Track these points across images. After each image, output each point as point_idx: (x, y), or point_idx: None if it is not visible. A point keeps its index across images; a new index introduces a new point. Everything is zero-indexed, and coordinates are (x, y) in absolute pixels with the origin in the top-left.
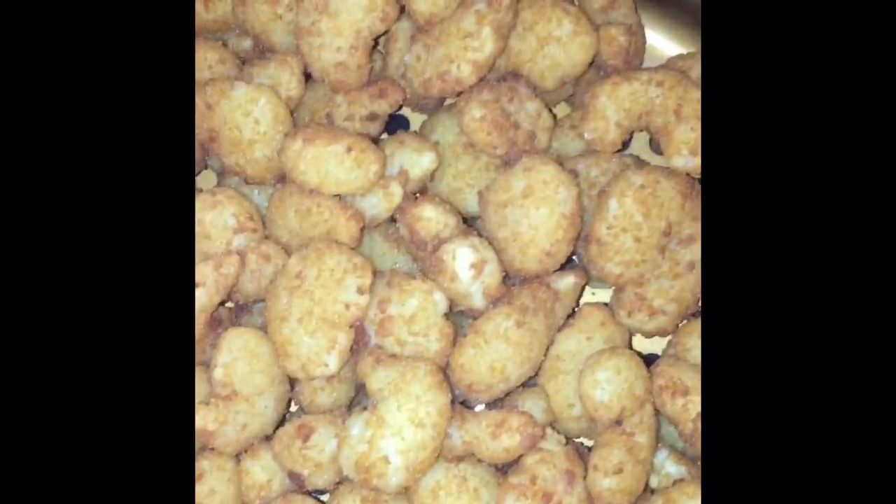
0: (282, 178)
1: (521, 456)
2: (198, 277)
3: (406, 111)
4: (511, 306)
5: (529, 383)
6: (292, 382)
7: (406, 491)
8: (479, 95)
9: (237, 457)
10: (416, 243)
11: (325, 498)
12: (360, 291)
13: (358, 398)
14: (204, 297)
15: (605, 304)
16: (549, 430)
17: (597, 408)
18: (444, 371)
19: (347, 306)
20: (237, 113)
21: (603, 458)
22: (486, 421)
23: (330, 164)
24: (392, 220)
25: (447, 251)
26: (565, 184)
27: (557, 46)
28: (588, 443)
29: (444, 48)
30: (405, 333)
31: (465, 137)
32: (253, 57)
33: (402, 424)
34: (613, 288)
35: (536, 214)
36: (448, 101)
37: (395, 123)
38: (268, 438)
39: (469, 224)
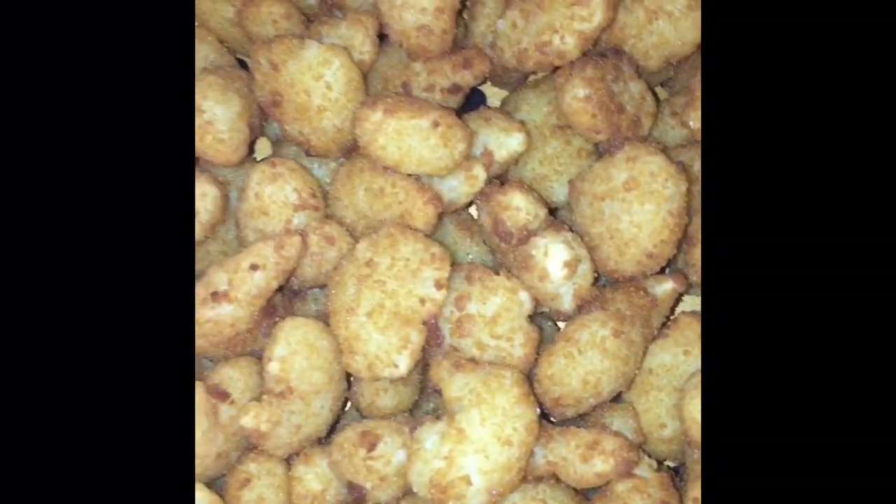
0: (348, 152)
1: (609, 482)
2: (257, 258)
3: (484, 86)
4: (607, 313)
5: (616, 398)
6: (349, 381)
7: None
8: (582, 72)
9: (287, 461)
10: (499, 234)
11: None
12: (438, 286)
13: (421, 403)
14: (262, 282)
15: None
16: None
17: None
18: (530, 381)
19: (423, 301)
20: (307, 76)
21: None
22: (575, 441)
23: (413, 139)
24: (467, 206)
25: (538, 246)
26: (674, 178)
27: (668, 22)
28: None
29: (546, 16)
30: (486, 336)
31: (554, 118)
32: (319, 14)
33: (486, 441)
34: None
35: (640, 210)
36: (533, 77)
37: (471, 98)
38: (320, 442)
39: (553, 215)
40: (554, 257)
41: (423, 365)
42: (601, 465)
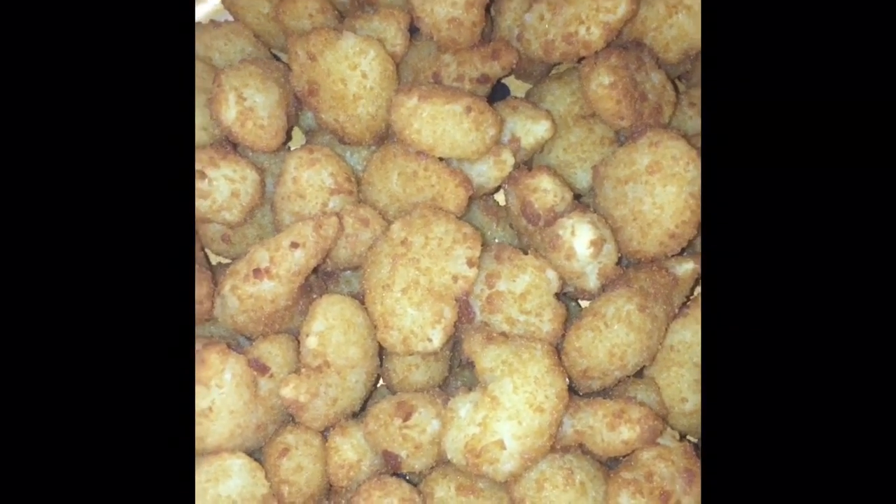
0: (381, 140)
1: (633, 451)
2: (297, 237)
3: (507, 79)
4: (632, 289)
5: (639, 374)
6: (381, 358)
7: (512, 480)
8: (607, 60)
9: (323, 434)
10: (528, 216)
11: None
12: (470, 263)
13: (449, 380)
14: (302, 259)
15: None
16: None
17: None
18: (558, 354)
19: (455, 278)
20: (343, 65)
21: None
22: (602, 410)
23: (447, 123)
24: (493, 192)
25: (565, 226)
26: (695, 161)
27: (687, 16)
28: (694, 440)
29: (572, 8)
30: (515, 311)
31: (577, 108)
32: (352, 9)
33: (519, 407)
34: None
35: (663, 192)
36: (556, 70)
37: (496, 92)
38: (355, 416)
39: (577, 201)
40: (580, 236)
41: (453, 342)
42: (627, 433)
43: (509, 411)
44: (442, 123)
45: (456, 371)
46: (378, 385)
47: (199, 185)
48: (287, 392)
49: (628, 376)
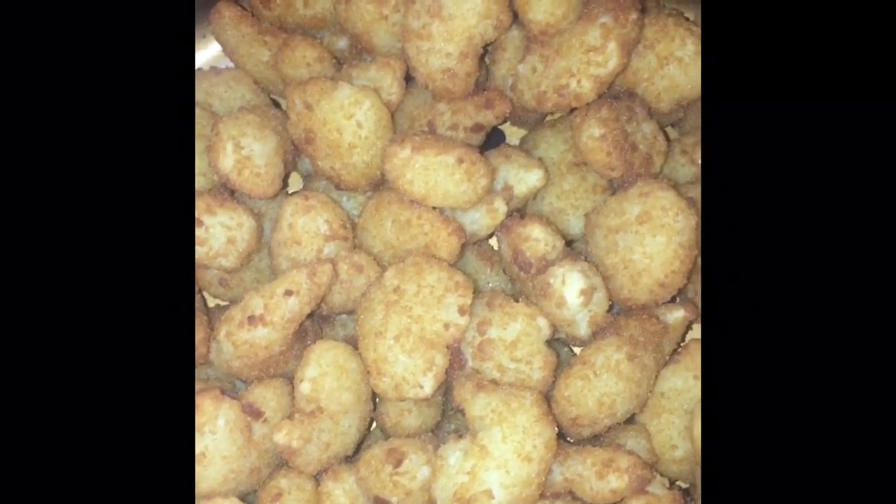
0: (376, 186)
1: (622, 499)
2: (291, 285)
3: (503, 125)
4: (621, 338)
5: (629, 420)
6: (374, 402)
7: None
8: (598, 113)
9: (316, 478)
10: (519, 264)
11: None
12: (461, 311)
13: (443, 424)
14: (296, 306)
15: None
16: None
17: None
18: (548, 402)
19: (447, 326)
20: (339, 115)
21: None
22: (591, 459)
23: (439, 174)
24: (487, 237)
25: (555, 275)
26: (685, 212)
27: (678, 67)
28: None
29: (564, 61)
30: (506, 359)
31: (571, 156)
32: (350, 58)
33: (507, 457)
34: None
35: (652, 242)
36: (550, 117)
37: (491, 137)
38: (348, 460)
39: (570, 248)
40: (571, 285)
41: (445, 387)
42: (616, 482)
43: (497, 461)
44: (434, 174)
45: (449, 415)
46: (372, 428)
47: (197, 232)
48: (280, 438)
49: (618, 423)
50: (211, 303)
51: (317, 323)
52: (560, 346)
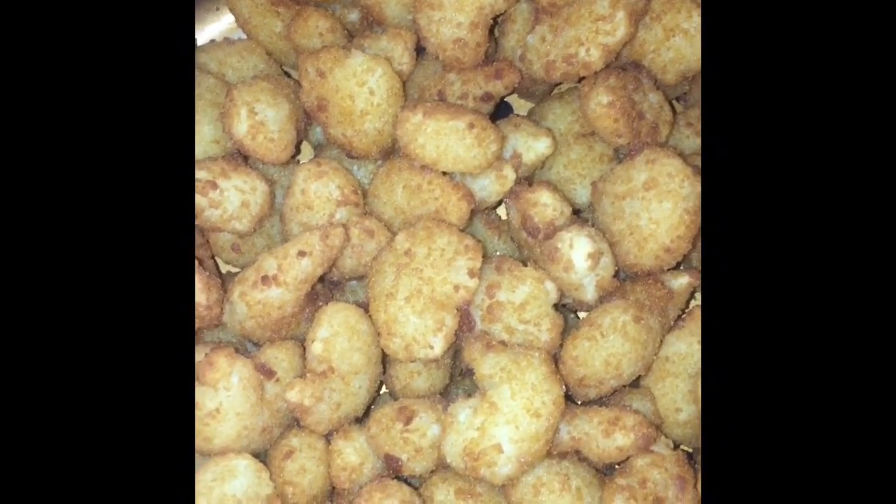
0: (387, 154)
1: (628, 458)
2: (304, 246)
3: (510, 98)
4: (628, 301)
5: (635, 384)
6: (384, 365)
7: (510, 484)
8: (606, 81)
9: (327, 437)
10: (528, 229)
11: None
12: (471, 274)
13: (451, 388)
14: (309, 267)
15: None
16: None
17: None
18: (556, 363)
19: (457, 288)
20: (352, 82)
21: None
22: (597, 417)
23: (450, 139)
24: (495, 206)
25: (563, 239)
26: (690, 178)
27: (684, 39)
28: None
29: (573, 30)
30: (514, 321)
31: (577, 126)
32: (361, 29)
33: (516, 413)
34: None
35: (659, 208)
36: (557, 90)
37: (499, 110)
38: (358, 421)
39: (577, 216)
40: (578, 249)
41: (454, 351)
42: (622, 440)
43: (507, 416)
44: (445, 139)
45: (457, 380)
46: (381, 392)
47: (211, 194)
48: (292, 395)
49: (624, 386)
50: (223, 269)
51: (328, 288)
52: (566, 312)
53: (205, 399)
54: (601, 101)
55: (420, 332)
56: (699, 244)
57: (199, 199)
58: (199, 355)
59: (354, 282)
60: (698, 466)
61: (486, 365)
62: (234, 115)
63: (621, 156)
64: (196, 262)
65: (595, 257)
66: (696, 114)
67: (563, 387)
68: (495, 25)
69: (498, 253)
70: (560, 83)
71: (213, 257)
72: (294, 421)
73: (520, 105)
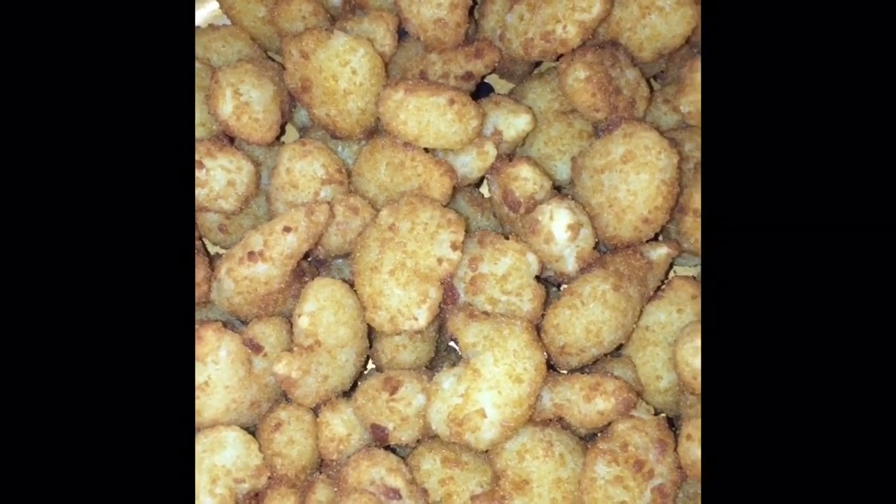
0: (370, 134)
1: (609, 423)
2: (290, 222)
3: (491, 79)
4: (607, 271)
5: (616, 353)
6: (370, 340)
7: (493, 450)
8: (583, 57)
9: (314, 410)
10: (509, 204)
11: None
12: (454, 247)
13: (436, 362)
14: (295, 243)
15: (694, 278)
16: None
17: (696, 375)
18: (538, 332)
19: (440, 261)
20: (335, 62)
21: (698, 427)
22: (578, 384)
23: (432, 115)
24: (477, 184)
25: (544, 211)
26: (667, 150)
27: (660, 16)
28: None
29: (550, 8)
30: (497, 292)
31: (557, 105)
32: (342, 13)
33: (499, 379)
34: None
35: (636, 180)
36: (537, 70)
37: (480, 90)
38: (345, 394)
39: (557, 192)
40: (559, 221)
41: (438, 325)
42: (603, 404)
43: (490, 382)
44: (427, 115)
45: (442, 354)
46: (368, 368)
47: (197, 174)
48: (280, 368)
49: (605, 355)
50: (211, 250)
51: (314, 266)
52: (548, 286)
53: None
54: (578, 76)
55: (404, 304)
56: (676, 216)
57: None
58: None
59: (340, 260)
60: (678, 432)
61: (469, 334)
62: (220, 97)
63: (600, 132)
64: None
65: (575, 229)
66: (672, 90)
67: (545, 353)
68: (475, 6)
69: (481, 228)
70: (539, 63)
71: (200, 237)
72: (282, 395)
73: (500, 86)
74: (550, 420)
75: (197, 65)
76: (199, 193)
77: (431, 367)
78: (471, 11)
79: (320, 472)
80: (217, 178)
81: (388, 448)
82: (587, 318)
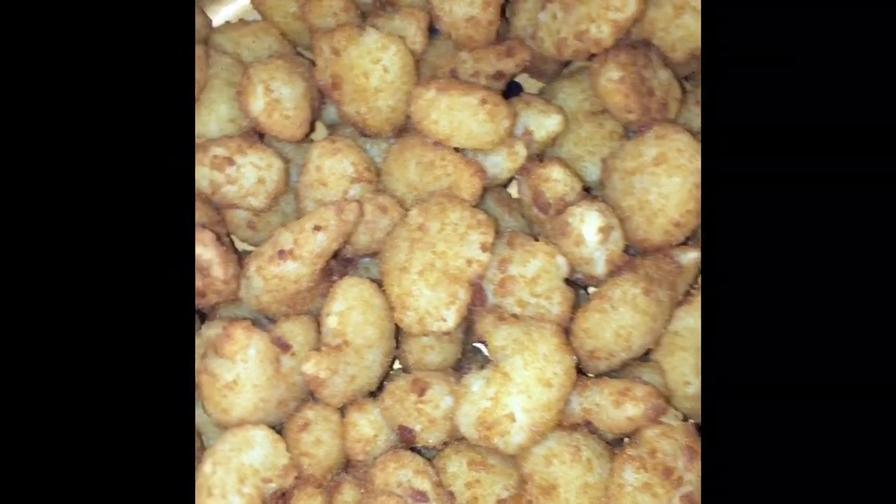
0: (399, 132)
1: (638, 429)
2: (320, 221)
3: (521, 77)
4: (638, 275)
5: (644, 358)
6: (397, 340)
7: (520, 454)
8: (616, 57)
9: (341, 411)
10: (539, 205)
11: None
12: (483, 248)
13: (463, 363)
14: (324, 242)
15: None
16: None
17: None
18: (567, 335)
19: (469, 262)
20: (366, 59)
21: None
22: (608, 388)
23: (463, 114)
24: (506, 184)
25: (574, 214)
26: (699, 153)
27: (693, 17)
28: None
29: (584, 7)
30: (526, 295)
31: (588, 105)
32: (372, 10)
33: (529, 383)
34: None
35: (668, 183)
36: (567, 69)
37: (510, 89)
38: (372, 395)
39: (587, 193)
40: (589, 224)
41: (466, 326)
42: (632, 410)
43: (520, 386)
44: (458, 114)
45: (469, 356)
46: (394, 368)
47: (228, 170)
48: (308, 368)
49: (634, 359)
50: (239, 247)
51: (342, 265)
52: (577, 288)
53: (223, 371)
54: (612, 76)
55: (433, 305)
56: None
57: (216, 176)
58: (217, 329)
59: (368, 259)
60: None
61: (498, 337)
62: (251, 93)
63: (631, 133)
64: (215, 237)
65: (605, 231)
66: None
67: (574, 357)
68: (506, 4)
69: (509, 230)
70: (570, 62)
71: (228, 234)
72: (309, 395)
73: (530, 85)
74: (578, 424)
75: (227, 60)
76: (230, 190)
77: (457, 368)
78: (502, 10)
79: (346, 473)
80: (247, 175)
81: (413, 450)
82: (617, 322)
